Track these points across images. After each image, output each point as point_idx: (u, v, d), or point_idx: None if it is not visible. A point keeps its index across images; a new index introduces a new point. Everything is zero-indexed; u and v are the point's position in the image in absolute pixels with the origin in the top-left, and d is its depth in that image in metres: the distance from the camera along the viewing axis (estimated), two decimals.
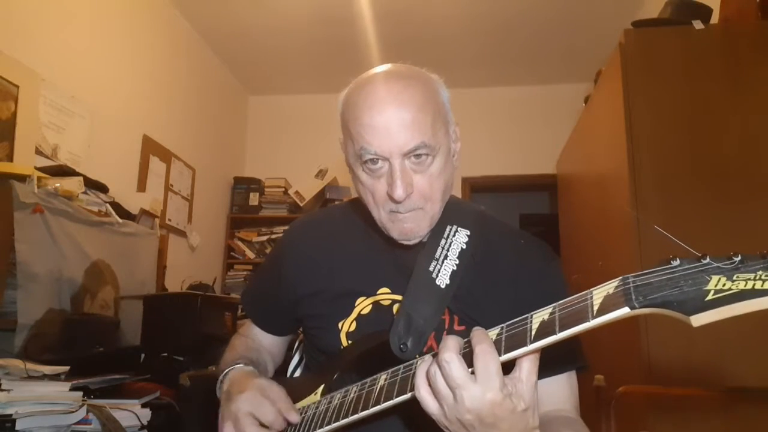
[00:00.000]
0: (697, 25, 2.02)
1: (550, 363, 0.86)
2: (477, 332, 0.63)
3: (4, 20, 2.23)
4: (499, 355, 0.61)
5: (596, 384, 1.71)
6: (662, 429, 1.71)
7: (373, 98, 0.81)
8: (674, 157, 1.91)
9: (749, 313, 0.48)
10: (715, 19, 2.16)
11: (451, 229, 0.92)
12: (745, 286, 0.48)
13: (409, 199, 0.81)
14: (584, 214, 2.69)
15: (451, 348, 0.62)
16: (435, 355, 0.64)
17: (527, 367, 0.62)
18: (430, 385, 0.64)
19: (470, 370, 0.61)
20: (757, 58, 1.96)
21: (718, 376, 1.73)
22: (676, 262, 0.53)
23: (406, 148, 0.79)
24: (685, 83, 1.97)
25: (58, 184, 2.07)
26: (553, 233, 3.18)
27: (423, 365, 0.66)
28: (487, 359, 0.60)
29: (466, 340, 0.65)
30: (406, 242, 0.86)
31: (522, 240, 0.96)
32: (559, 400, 0.86)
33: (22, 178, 1.92)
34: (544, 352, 0.84)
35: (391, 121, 0.79)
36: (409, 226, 0.84)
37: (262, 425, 0.81)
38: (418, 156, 0.80)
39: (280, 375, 1.10)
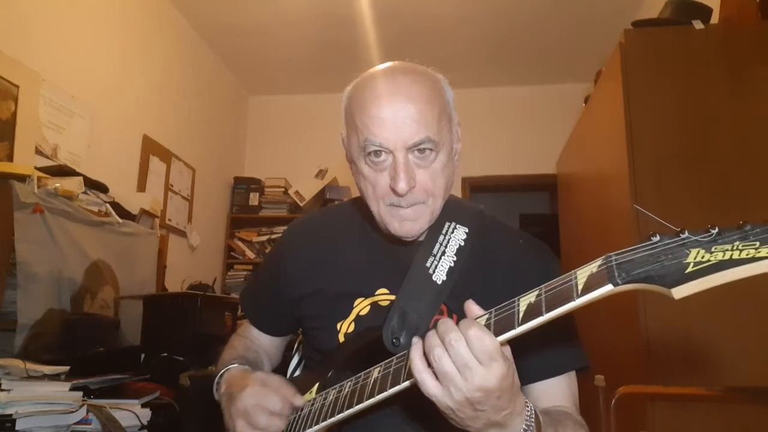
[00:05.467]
0: (697, 25, 2.02)
1: (550, 364, 0.86)
2: (467, 318, 0.64)
3: (4, 20, 2.23)
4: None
5: (596, 384, 1.71)
6: (662, 429, 1.71)
7: (381, 90, 0.81)
8: (674, 157, 1.91)
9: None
10: (715, 19, 2.16)
11: (449, 226, 0.91)
12: (723, 256, 0.49)
13: (411, 193, 0.81)
14: (584, 214, 2.69)
15: (454, 328, 0.62)
16: (427, 338, 0.64)
17: (508, 352, 0.64)
18: (430, 367, 0.63)
19: None
20: (757, 58, 1.96)
21: (718, 375, 1.73)
22: (656, 238, 0.54)
23: (411, 141, 0.79)
24: (685, 83, 1.97)
25: (58, 184, 2.07)
26: (553, 233, 3.18)
27: (416, 348, 0.65)
28: (485, 342, 0.60)
29: None
30: (404, 237, 0.86)
31: (521, 240, 0.97)
32: (559, 400, 0.86)
33: (22, 178, 1.92)
34: (545, 353, 0.84)
35: (398, 113, 0.79)
36: (409, 221, 0.84)
37: (272, 414, 0.81)
38: (422, 151, 0.81)
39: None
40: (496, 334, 0.61)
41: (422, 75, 0.84)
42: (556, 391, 0.86)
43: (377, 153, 0.81)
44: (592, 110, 2.57)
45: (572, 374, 0.89)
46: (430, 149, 0.81)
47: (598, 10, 3.44)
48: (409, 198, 0.82)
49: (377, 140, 0.80)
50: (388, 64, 0.87)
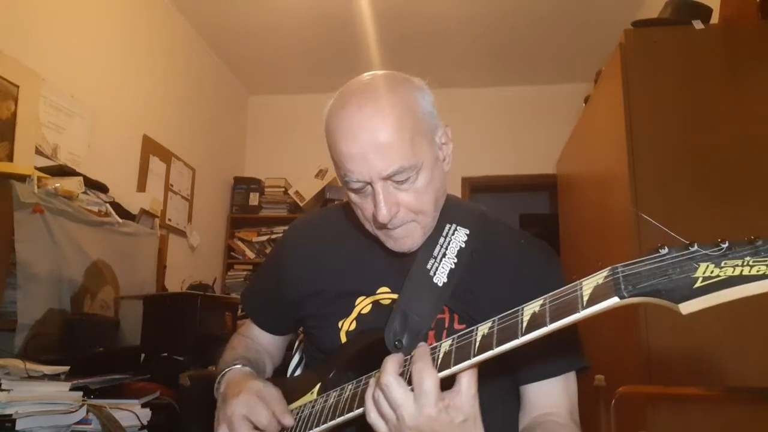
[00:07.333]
0: (697, 25, 2.02)
1: (546, 364, 0.86)
2: (418, 350, 0.68)
3: (4, 20, 2.23)
4: (494, 348, 0.62)
5: (596, 384, 1.71)
6: (662, 429, 1.71)
7: (347, 125, 0.79)
8: (674, 157, 1.91)
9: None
10: (715, 19, 2.16)
11: (450, 228, 0.91)
12: (733, 272, 0.48)
13: (396, 217, 0.81)
14: (584, 214, 2.69)
15: (389, 371, 0.66)
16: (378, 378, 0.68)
17: (466, 381, 0.65)
18: (377, 407, 0.68)
19: (410, 387, 0.65)
20: (757, 58, 1.96)
21: (718, 375, 1.73)
22: (665, 251, 0.53)
23: (385, 173, 0.78)
24: (685, 83, 1.97)
25: (58, 184, 2.07)
26: (553, 233, 3.18)
27: (369, 390, 0.70)
28: (422, 377, 0.64)
29: (406, 357, 0.69)
30: (402, 252, 0.87)
31: (522, 239, 0.96)
32: (553, 403, 0.85)
33: (22, 178, 1.92)
34: (542, 353, 0.84)
35: (365, 147, 0.77)
36: (401, 240, 0.85)
37: (257, 428, 0.81)
38: (398, 179, 0.79)
39: (279, 375, 1.10)
40: (499, 344, 0.61)
41: (389, 98, 0.80)
42: (553, 393, 0.86)
43: (357, 186, 0.81)
44: (592, 110, 2.57)
45: (571, 375, 0.88)
46: (407, 177, 0.79)
47: (598, 10, 3.44)
48: (395, 222, 0.82)
49: (354, 176, 0.79)
50: (356, 85, 0.84)
